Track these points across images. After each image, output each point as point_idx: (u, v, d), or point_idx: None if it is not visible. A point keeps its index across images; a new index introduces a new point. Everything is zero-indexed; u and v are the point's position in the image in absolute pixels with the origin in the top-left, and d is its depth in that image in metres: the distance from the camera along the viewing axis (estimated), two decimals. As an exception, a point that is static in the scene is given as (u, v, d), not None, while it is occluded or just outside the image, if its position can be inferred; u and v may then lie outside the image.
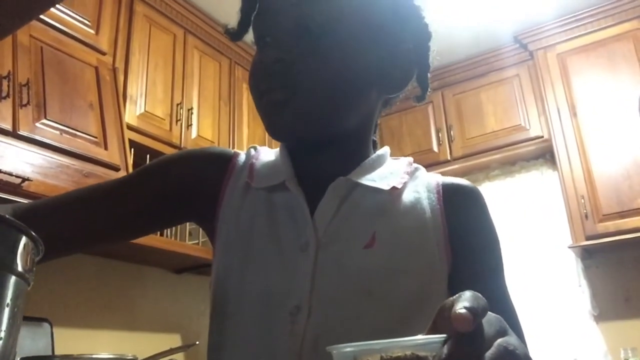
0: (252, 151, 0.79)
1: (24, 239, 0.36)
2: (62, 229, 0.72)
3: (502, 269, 0.73)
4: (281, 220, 0.69)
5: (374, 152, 0.75)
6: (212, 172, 0.75)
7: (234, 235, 0.71)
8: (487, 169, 3.31)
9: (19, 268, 0.36)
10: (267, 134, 0.71)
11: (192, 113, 2.60)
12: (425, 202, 0.70)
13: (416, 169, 0.76)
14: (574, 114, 2.89)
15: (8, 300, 0.35)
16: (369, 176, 0.70)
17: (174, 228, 2.48)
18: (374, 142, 0.77)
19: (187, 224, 2.47)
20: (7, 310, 0.35)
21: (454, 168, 3.21)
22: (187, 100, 2.60)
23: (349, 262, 0.66)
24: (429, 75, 0.75)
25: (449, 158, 3.23)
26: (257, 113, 0.70)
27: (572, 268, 2.98)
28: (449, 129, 3.28)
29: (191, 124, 2.58)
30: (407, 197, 0.71)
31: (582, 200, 2.74)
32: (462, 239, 0.70)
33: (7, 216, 0.34)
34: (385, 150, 0.76)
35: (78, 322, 2.17)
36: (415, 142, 3.30)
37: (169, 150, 2.33)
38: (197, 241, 2.49)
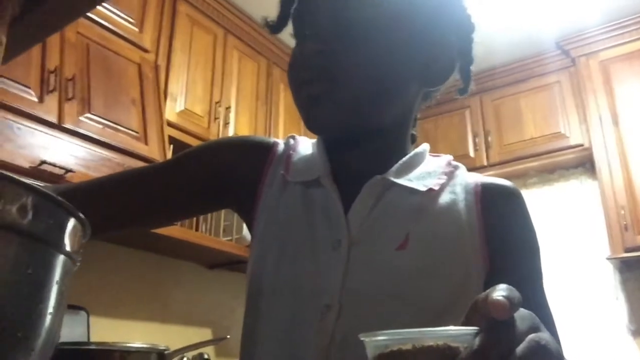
0: (291, 141, 0.78)
1: (72, 220, 0.37)
2: (100, 210, 0.73)
3: (541, 274, 0.70)
4: (316, 216, 0.69)
5: (413, 148, 0.74)
6: (251, 161, 0.75)
7: (271, 226, 0.71)
8: (524, 176, 3.25)
9: (68, 248, 0.37)
10: (302, 131, 0.72)
11: (230, 111, 2.64)
12: (461, 204, 0.69)
13: (455, 168, 0.74)
14: (615, 122, 2.82)
15: (57, 278, 0.36)
16: (406, 176, 0.69)
17: (209, 224, 2.52)
18: (413, 137, 0.76)
19: (222, 220, 2.51)
20: (55, 288, 0.36)
21: (490, 174, 3.14)
22: (225, 99, 2.64)
23: (381, 262, 0.65)
24: (471, 68, 0.73)
25: (485, 164, 3.19)
26: (295, 106, 0.69)
27: (609, 280, 2.90)
28: (486, 135, 3.24)
29: (229, 122, 2.62)
30: (444, 198, 0.69)
31: (622, 212, 2.67)
32: (501, 241, 0.67)
33: (58, 197, 0.35)
34: (424, 147, 0.75)
35: (113, 312, 2.22)
36: (450, 147, 3.26)
37: (206, 148, 2.37)
38: (230, 238, 2.52)
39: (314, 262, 0.66)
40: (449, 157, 0.76)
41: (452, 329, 0.36)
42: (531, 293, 0.64)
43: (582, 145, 2.97)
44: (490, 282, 0.66)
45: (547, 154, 3.07)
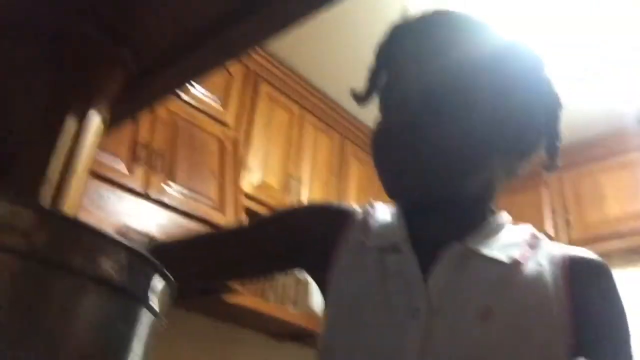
0: (369, 207, 0.79)
1: (162, 281, 0.39)
2: (187, 268, 0.81)
3: (630, 356, 0.66)
4: (393, 283, 0.68)
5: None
6: (330, 224, 0.78)
7: (345, 293, 0.71)
8: (607, 257, 3.04)
9: (157, 307, 0.39)
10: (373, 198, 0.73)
11: (303, 184, 2.72)
12: (548, 277, 0.66)
13: (539, 240, 0.72)
14: None
15: (145, 336, 0.38)
16: (487, 245, 0.68)
17: (279, 294, 2.53)
18: (492, 211, 0.75)
19: (293, 292, 2.52)
20: (142, 345, 0.37)
21: (571, 254, 3.01)
22: (299, 172, 2.73)
23: (461, 333, 0.63)
24: (558, 144, 0.72)
25: (566, 243, 3.05)
26: (366, 179, 0.72)
27: None
28: (565, 212, 3.12)
29: (302, 195, 2.68)
30: (529, 270, 0.67)
31: None
32: (588, 320, 0.65)
33: (153, 258, 0.38)
34: (504, 216, 0.74)
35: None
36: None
37: (279, 219, 2.42)
38: (299, 309, 2.51)
39: (390, 331, 0.65)
40: (531, 228, 0.74)
41: None
42: None
43: (670, 226, 2.80)
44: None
45: (632, 234, 2.90)
